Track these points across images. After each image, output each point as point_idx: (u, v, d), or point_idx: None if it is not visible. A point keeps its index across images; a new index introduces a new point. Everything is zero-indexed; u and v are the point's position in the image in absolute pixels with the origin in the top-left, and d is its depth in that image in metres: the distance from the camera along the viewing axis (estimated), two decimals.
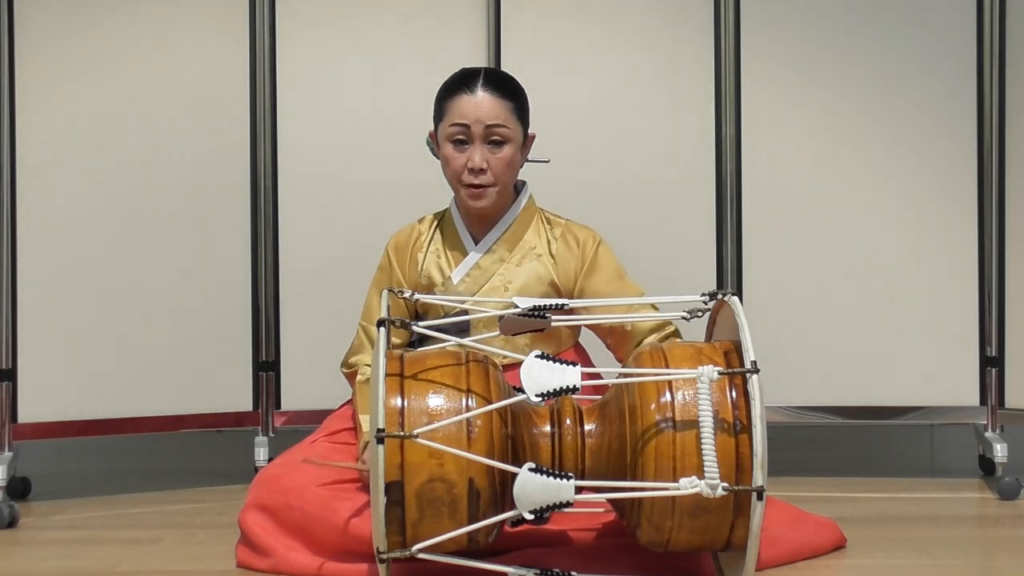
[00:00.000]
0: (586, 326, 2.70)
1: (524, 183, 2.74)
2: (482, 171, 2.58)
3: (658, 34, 3.46)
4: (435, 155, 2.73)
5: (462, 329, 2.57)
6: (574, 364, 2.16)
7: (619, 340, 2.65)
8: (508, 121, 2.59)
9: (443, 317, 2.59)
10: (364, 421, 2.55)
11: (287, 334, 3.43)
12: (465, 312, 2.55)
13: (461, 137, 2.59)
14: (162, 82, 3.33)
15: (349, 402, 2.74)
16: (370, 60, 3.46)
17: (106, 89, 3.28)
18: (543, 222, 2.71)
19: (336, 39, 3.46)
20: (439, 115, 2.65)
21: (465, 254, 2.67)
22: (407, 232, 2.73)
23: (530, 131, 2.68)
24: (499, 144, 2.59)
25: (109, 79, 3.29)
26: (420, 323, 2.47)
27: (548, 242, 2.68)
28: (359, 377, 2.66)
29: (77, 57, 3.26)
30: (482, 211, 2.64)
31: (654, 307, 2.61)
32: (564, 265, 2.66)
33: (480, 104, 2.58)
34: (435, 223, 2.73)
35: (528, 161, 2.71)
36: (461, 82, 2.63)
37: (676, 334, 2.60)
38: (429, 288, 2.67)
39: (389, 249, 2.73)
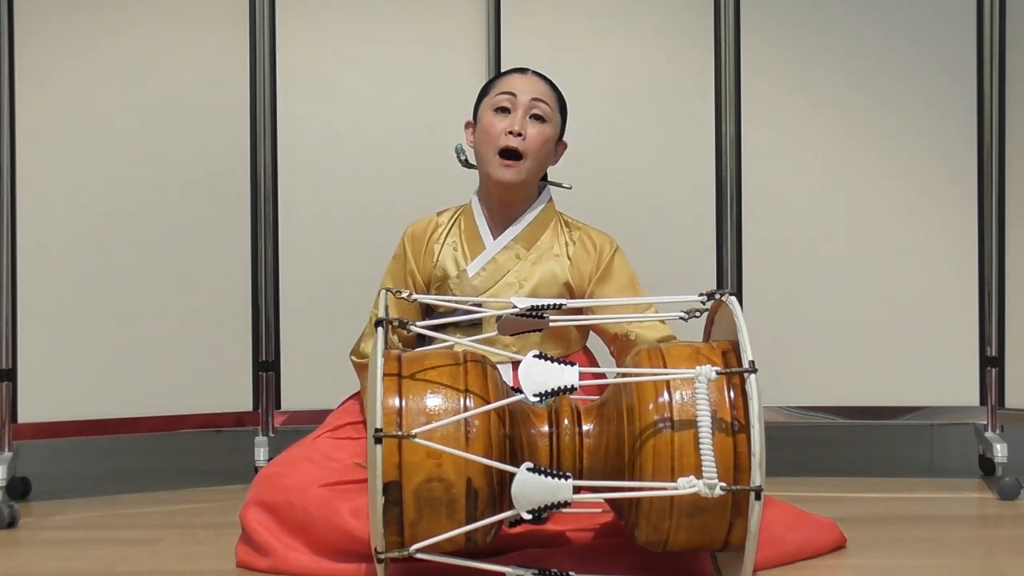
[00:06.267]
0: (592, 332, 2.71)
1: (546, 185, 2.75)
2: (520, 136, 2.61)
3: (658, 34, 3.47)
4: (462, 162, 2.75)
5: (475, 325, 2.58)
6: (572, 364, 2.16)
7: (622, 349, 2.65)
8: (552, 104, 2.67)
9: (450, 315, 2.59)
10: None
11: (287, 334, 3.43)
12: (467, 312, 2.55)
13: (506, 104, 2.64)
14: (162, 82, 3.34)
15: (351, 397, 2.75)
16: (370, 60, 3.46)
17: (106, 89, 3.28)
18: (562, 225, 2.73)
19: (336, 39, 3.46)
20: (484, 94, 2.70)
21: (483, 248, 2.69)
22: (425, 223, 2.75)
23: (564, 139, 2.70)
24: (540, 120, 2.65)
25: (109, 79, 3.29)
26: (420, 323, 2.47)
27: (566, 244, 2.70)
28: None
29: (77, 58, 3.25)
30: (510, 186, 2.64)
31: (658, 317, 2.61)
32: (580, 267, 2.68)
33: (530, 80, 2.68)
34: (455, 215, 2.74)
35: (550, 183, 2.74)
36: (513, 68, 2.76)
37: None
38: (443, 280, 2.68)
39: (405, 239, 2.74)
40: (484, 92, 2.71)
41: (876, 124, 3.43)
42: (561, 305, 2.34)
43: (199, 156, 3.37)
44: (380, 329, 2.18)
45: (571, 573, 2.17)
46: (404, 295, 2.50)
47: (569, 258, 2.68)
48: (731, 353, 2.22)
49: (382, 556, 2.11)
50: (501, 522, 2.17)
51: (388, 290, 2.47)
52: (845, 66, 3.43)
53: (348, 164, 3.45)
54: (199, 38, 3.38)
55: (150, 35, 3.33)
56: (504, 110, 2.64)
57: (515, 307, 2.32)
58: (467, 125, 2.75)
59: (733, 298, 2.24)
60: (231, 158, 3.40)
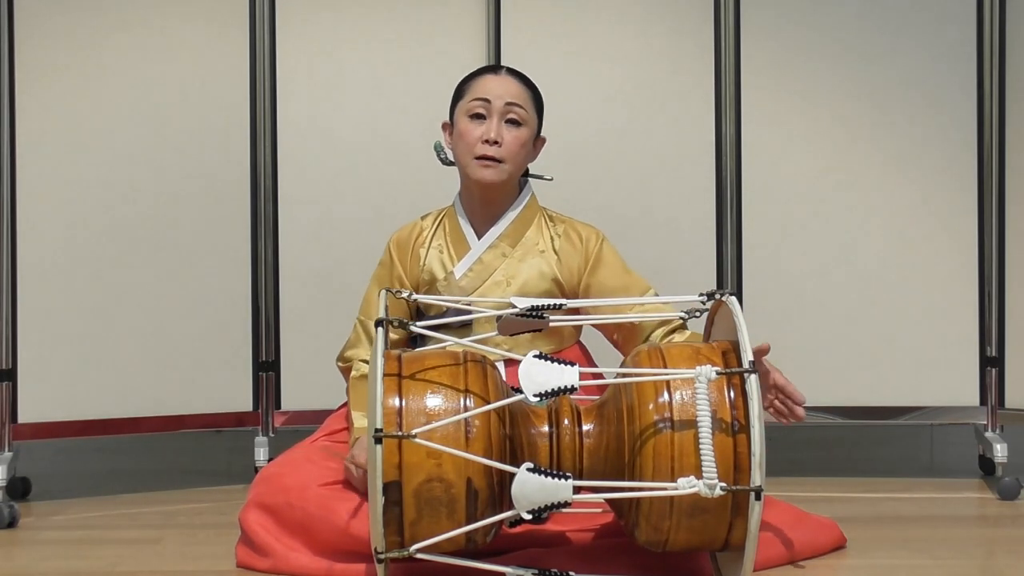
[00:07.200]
0: (592, 325, 2.71)
1: (527, 182, 2.75)
2: (496, 143, 2.61)
3: (658, 34, 3.47)
4: (442, 160, 2.74)
5: (465, 326, 2.58)
6: (572, 364, 2.16)
7: (627, 336, 2.65)
8: (527, 106, 2.65)
9: (443, 315, 2.59)
10: (357, 417, 2.56)
11: (287, 334, 3.43)
12: (461, 312, 2.55)
13: (480, 111, 2.63)
14: (162, 82, 3.34)
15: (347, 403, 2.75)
16: (370, 60, 3.46)
17: (106, 90, 3.29)
18: (546, 219, 2.72)
19: (336, 40, 3.46)
20: (459, 96, 2.69)
21: (468, 249, 2.68)
22: (409, 228, 2.75)
23: (542, 134, 2.70)
24: (516, 124, 2.63)
25: (109, 80, 3.29)
26: (419, 323, 2.47)
27: (551, 239, 2.69)
28: (354, 373, 2.66)
29: (76, 59, 3.26)
30: (490, 186, 2.64)
31: (658, 308, 2.61)
32: (567, 262, 2.67)
33: (504, 82, 2.65)
34: (438, 219, 2.74)
35: (532, 176, 2.73)
36: (486, 68, 2.74)
37: (684, 327, 2.60)
38: (431, 283, 2.68)
39: (391, 245, 2.74)
40: (459, 93, 2.69)
41: (876, 124, 3.44)
42: (561, 305, 2.34)
43: (199, 157, 3.37)
44: (380, 329, 2.18)
45: (571, 573, 2.17)
46: (404, 295, 2.50)
47: (556, 252, 2.68)
48: (731, 353, 2.22)
49: (382, 556, 2.11)
50: (501, 522, 2.16)
51: (388, 290, 2.46)
52: (845, 66, 3.43)
53: (348, 164, 3.45)
54: (199, 39, 3.38)
55: (149, 36, 3.33)
56: (479, 116, 2.63)
57: (514, 307, 2.32)
58: (444, 126, 2.74)
59: (733, 298, 2.23)
60: (231, 159, 3.40)
